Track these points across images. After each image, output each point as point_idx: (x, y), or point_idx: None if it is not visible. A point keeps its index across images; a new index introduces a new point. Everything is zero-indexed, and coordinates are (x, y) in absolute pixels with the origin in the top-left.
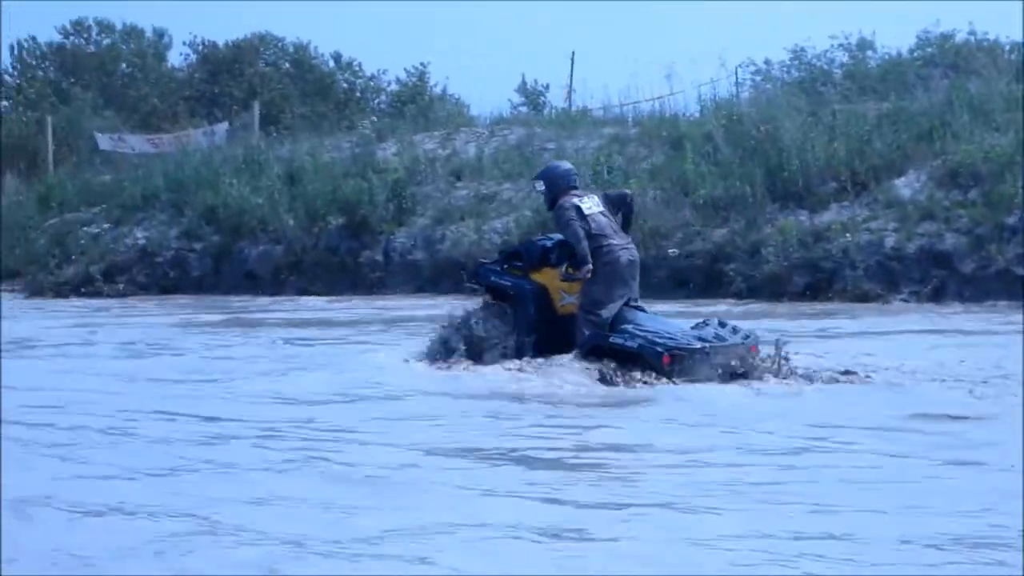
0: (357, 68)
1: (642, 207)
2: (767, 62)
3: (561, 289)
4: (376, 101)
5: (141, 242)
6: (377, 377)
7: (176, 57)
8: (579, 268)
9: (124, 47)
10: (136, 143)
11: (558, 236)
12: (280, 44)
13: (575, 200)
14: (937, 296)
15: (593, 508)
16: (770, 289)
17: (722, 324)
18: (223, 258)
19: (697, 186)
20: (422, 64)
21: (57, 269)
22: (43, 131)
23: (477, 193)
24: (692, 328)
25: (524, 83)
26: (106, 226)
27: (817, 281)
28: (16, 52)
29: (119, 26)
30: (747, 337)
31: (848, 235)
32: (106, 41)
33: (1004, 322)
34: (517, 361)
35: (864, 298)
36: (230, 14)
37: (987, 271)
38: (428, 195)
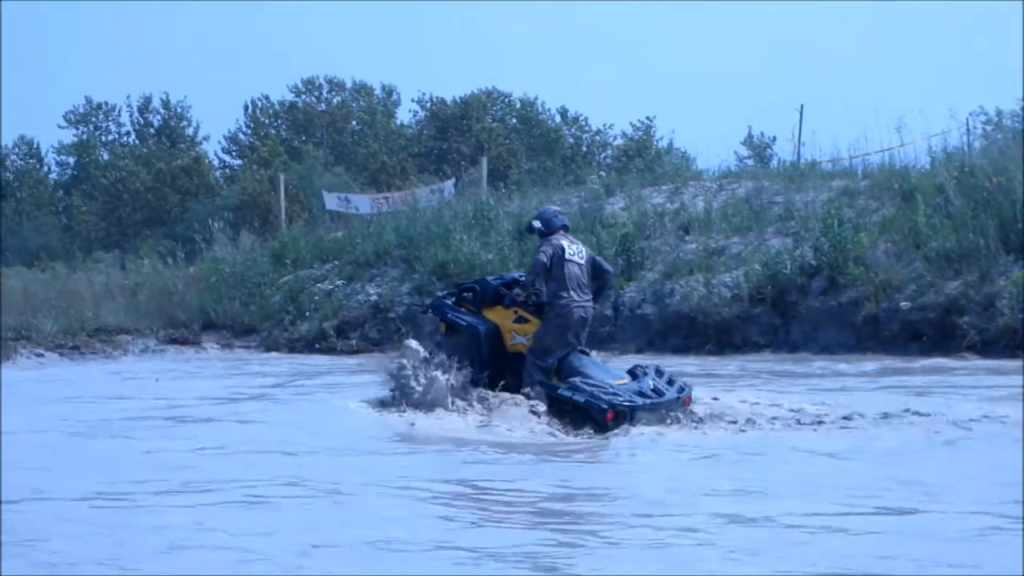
0: (583, 123)
1: (873, 259)
2: (998, 112)
3: (512, 329)
4: (602, 155)
5: (373, 298)
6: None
7: (405, 114)
8: (523, 288)
9: (354, 105)
10: (362, 203)
11: (511, 276)
12: (507, 100)
13: (564, 242)
14: None
15: None
16: (1005, 342)
17: (659, 373)
18: None
19: (929, 238)
20: (648, 118)
21: (291, 325)
22: (276, 188)
23: (706, 247)
24: (628, 373)
25: (750, 136)
26: (339, 282)
27: None
28: (249, 111)
29: (349, 84)
30: (682, 390)
31: None
32: (336, 99)
33: None
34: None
35: None
36: (457, 70)
37: None
38: (657, 249)
